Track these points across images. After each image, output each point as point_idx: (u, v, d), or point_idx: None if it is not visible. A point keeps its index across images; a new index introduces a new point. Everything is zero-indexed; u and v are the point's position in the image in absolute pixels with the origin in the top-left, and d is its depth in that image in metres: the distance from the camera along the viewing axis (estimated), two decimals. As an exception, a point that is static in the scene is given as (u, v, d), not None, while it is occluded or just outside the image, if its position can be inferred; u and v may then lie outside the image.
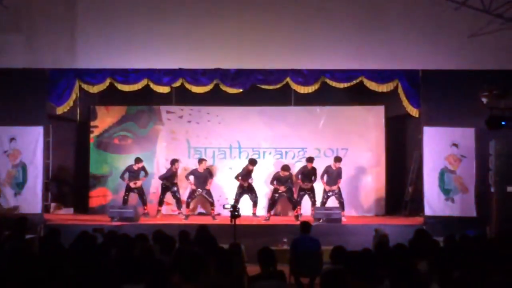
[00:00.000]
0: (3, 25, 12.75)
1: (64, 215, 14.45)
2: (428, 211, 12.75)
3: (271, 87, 13.52)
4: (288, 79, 13.32)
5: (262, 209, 14.12)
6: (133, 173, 13.92)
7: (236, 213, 10.27)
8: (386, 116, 14.91)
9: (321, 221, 13.04)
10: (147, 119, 15.19)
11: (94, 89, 13.55)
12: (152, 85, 13.46)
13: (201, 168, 13.77)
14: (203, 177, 13.78)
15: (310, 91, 13.48)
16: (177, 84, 13.50)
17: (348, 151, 14.75)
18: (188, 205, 13.89)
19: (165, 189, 13.90)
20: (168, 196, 14.03)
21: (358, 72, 13.14)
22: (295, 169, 14.21)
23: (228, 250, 7.55)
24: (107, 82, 13.38)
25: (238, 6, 12.74)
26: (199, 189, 13.71)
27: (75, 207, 15.01)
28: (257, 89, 13.60)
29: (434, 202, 12.77)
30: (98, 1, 12.99)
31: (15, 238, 8.40)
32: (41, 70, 13.00)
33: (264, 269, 6.47)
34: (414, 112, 13.20)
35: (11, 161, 13.02)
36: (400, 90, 13.15)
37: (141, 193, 14.05)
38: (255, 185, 13.92)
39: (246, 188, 13.72)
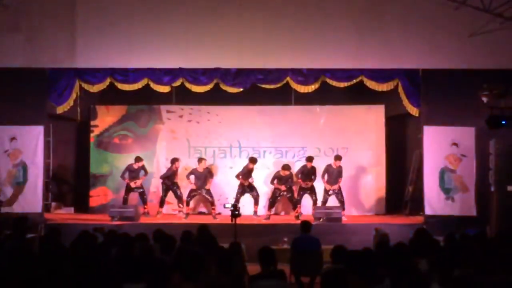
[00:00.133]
0: (3, 24, 12.74)
1: (65, 214, 14.46)
2: (428, 210, 12.76)
3: (271, 87, 13.51)
4: (288, 79, 13.31)
5: (262, 209, 14.13)
6: (133, 172, 13.93)
7: (237, 213, 10.28)
8: (386, 116, 14.92)
9: (321, 220, 13.04)
10: (147, 119, 15.20)
11: (94, 88, 13.54)
12: (152, 85, 13.45)
13: (200, 168, 13.77)
14: (203, 176, 13.78)
15: (310, 90, 13.48)
16: (177, 83, 13.50)
17: (348, 150, 14.75)
18: (188, 204, 13.89)
19: (166, 189, 13.92)
20: (169, 196, 14.04)
21: (358, 71, 13.14)
22: (295, 169, 14.22)
23: (228, 249, 7.55)
24: (107, 81, 13.37)
25: (238, 5, 12.74)
26: (199, 189, 13.72)
27: (76, 207, 15.03)
28: (257, 89, 13.59)
29: (434, 201, 12.78)
30: (98, 1, 13.00)
31: (15, 238, 8.40)
32: (41, 69, 13.00)
33: (264, 268, 6.47)
34: (414, 111, 13.19)
35: (11, 161, 13.02)
36: (400, 90, 13.14)
37: (141, 192, 14.07)
38: (255, 184, 13.93)
39: (246, 187, 13.73)
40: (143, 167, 14.07)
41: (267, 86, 13.53)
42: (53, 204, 14.63)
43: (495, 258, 6.36)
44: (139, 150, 14.82)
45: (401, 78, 13.10)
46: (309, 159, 13.89)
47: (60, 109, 13.53)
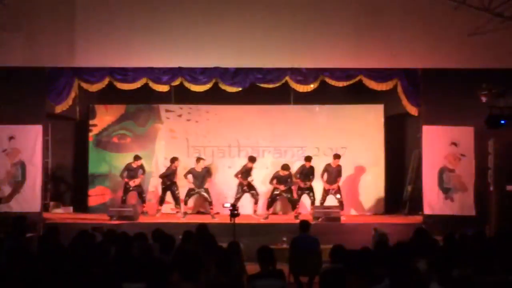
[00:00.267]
0: (3, 23, 12.71)
1: (63, 214, 14.45)
2: (427, 210, 12.76)
3: (270, 86, 13.50)
4: (287, 78, 13.31)
5: (261, 208, 14.12)
6: (132, 171, 13.93)
7: (236, 212, 10.27)
8: (386, 115, 14.90)
9: (320, 220, 13.04)
10: (146, 118, 15.18)
11: (93, 87, 13.54)
12: (151, 84, 13.45)
13: (198, 167, 13.75)
14: (201, 175, 13.76)
15: (309, 89, 13.49)
16: (176, 82, 13.49)
17: (347, 150, 14.73)
18: (185, 203, 13.88)
19: (165, 188, 13.91)
20: (168, 195, 14.03)
21: (357, 70, 13.14)
22: (294, 168, 14.20)
23: (227, 249, 7.54)
24: (106, 80, 13.37)
25: (237, 5, 12.74)
26: (197, 188, 13.70)
27: (74, 206, 15.00)
28: (256, 88, 13.58)
29: (433, 201, 12.77)
30: (97, 0, 12.98)
31: (14, 237, 8.40)
32: (40, 68, 12.99)
33: (263, 268, 6.47)
34: (413, 111, 13.20)
35: (10, 160, 13.01)
36: (399, 89, 13.15)
37: (140, 191, 14.08)
38: (255, 184, 13.92)
39: (246, 186, 13.72)
40: (141, 166, 14.07)
41: (266, 86, 13.52)
42: (52, 203, 14.62)
43: (494, 257, 6.36)
44: (138, 149, 14.80)
45: (400, 77, 13.10)
46: (308, 158, 13.87)
47: (58, 108, 13.53)
